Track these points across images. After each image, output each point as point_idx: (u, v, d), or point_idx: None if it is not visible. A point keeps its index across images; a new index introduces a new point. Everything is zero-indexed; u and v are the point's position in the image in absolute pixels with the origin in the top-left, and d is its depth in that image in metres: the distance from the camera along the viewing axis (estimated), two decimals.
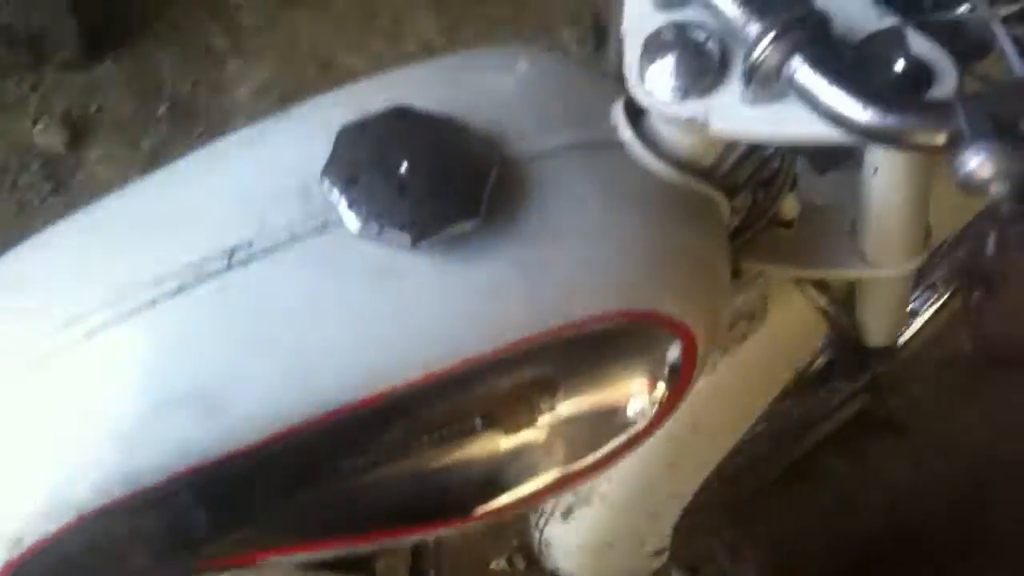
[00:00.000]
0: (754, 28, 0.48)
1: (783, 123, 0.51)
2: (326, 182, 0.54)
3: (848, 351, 0.90)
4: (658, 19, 0.54)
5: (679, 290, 0.59)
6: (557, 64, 0.67)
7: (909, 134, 0.46)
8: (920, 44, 0.50)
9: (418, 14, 1.84)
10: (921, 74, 0.49)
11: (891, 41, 0.50)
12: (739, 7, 0.49)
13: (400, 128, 0.56)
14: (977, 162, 0.43)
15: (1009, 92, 0.47)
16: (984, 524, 1.39)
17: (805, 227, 0.71)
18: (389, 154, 0.54)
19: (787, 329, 0.83)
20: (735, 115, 0.52)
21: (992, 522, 1.38)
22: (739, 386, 0.86)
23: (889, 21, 0.51)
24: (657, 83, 0.53)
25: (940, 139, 0.45)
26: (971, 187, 0.44)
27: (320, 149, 0.55)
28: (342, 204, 0.53)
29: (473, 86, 0.60)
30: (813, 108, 0.47)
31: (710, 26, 0.52)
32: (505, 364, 0.55)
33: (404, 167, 0.54)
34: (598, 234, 0.56)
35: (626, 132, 0.58)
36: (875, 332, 0.85)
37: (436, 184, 0.53)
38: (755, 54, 0.48)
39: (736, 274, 0.70)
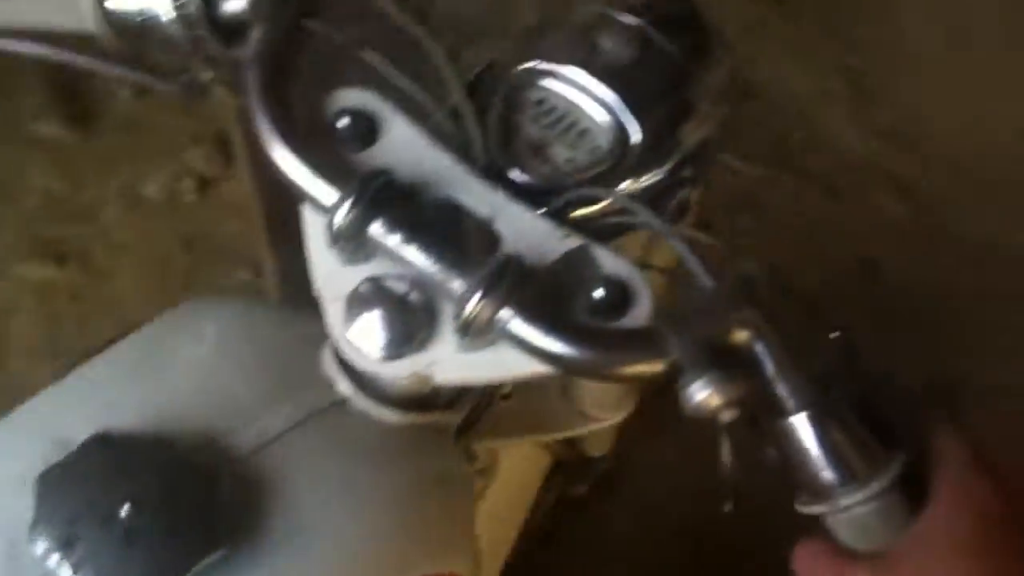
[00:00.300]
0: (457, 284, 0.49)
1: (503, 365, 0.51)
2: (38, 546, 0.47)
3: (573, 465, 0.94)
4: (351, 276, 0.52)
5: (442, 543, 0.58)
6: (244, 316, 0.64)
7: (624, 368, 0.48)
8: (610, 262, 0.52)
9: None
10: (618, 294, 0.51)
11: (581, 262, 0.52)
12: (433, 263, 0.49)
13: (106, 461, 0.50)
14: (703, 395, 0.45)
15: (708, 311, 0.49)
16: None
17: (522, 398, 0.73)
18: (103, 497, 0.49)
19: (519, 469, 0.86)
20: (455, 365, 0.52)
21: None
22: (490, 529, 0.87)
23: (572, 242, 0.53)
24: (366, 343, 0.52)
25: (657, 369, 0.48)
26: (702, 416, 0.46)
27: (16, 500, 0.48)
28: (64, 572, 0.47)
29: (168, 376, 0.56)
30: (529, 353, 0.49)
31: (407, 276, 0.52)
32: None
33: (125, 510, 0.48)
34: (349, 514, 0.54)
35: (346, 388, 0.57)
36: (595, 446, 0.90)
37: (165, 520, 0.49)
38: (466, 312, 0.48)
39: (471, 457, 0.71)
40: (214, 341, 0.58)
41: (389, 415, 0.57)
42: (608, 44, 0.61)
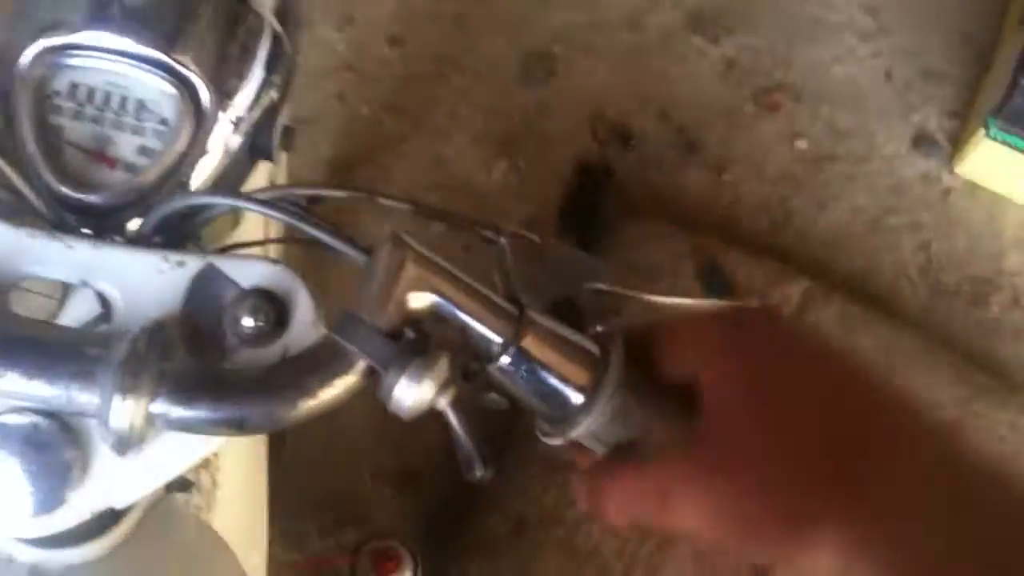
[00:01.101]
0: (85, 399, 0.40)
1: (190, 450, 0.44)
2: None
3: None
4: None
5: None
6: None
7: (314, 401, 0.42)
8: (246, 271, 0.44)
9: None
10: (271, 307, 0.44)
11: (215, 286, 0.44)
12: (46, 384, 0.40)
13: None
14: (412, 394, 0.40)
15: (374, 290, 0.42)
16: None
17: None
18: None
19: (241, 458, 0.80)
20: (131, 476, 0.43)
21: None
22: (236, 524, 0.76)
23: (191, 267, 0.44)
24: (12, 504, 0.42)
25: (352, 382, 0.42)
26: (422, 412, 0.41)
27: None
28: None
29: None
30: (206, 432, 0.42)
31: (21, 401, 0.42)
32: None
33: None
34: None
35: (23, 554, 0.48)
36: None
37: None
38: (113, 431, 0.39)
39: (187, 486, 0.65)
40: None
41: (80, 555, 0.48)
42: None
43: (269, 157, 0.60)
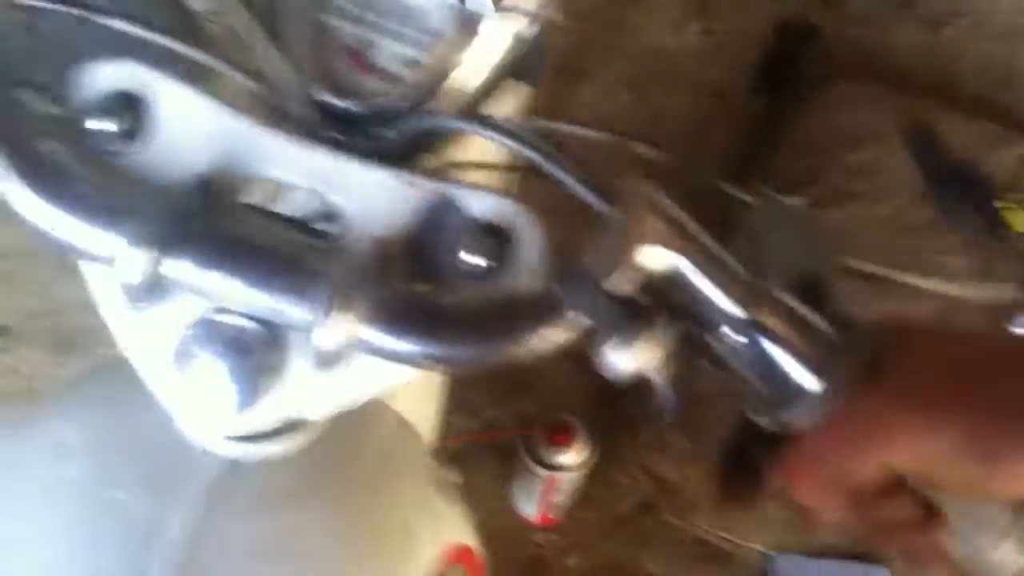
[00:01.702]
0: (298, 312, 0.40)
1: (381, 377, 0.43)
2: None
3: None
4: (167, 326, 0.42)
5: (430, 520, 0.54)
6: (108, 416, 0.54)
7: (519, 349, 0.40)
8: (478, 202, 0.42)
9: None
10: (494, 242, 0.41)
11: (442, 211, 0.42)
12: (265, 293, 0.40)
13: None
14: (626, 359, 0.38)
15: (606, 243, 0.39)
16: None
17: None
18: None
19: None
20: (321, 392, 0.43)
21: None
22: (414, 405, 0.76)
23: (423, 188, 0.42)
24: (214, 399, 0.42)
25: (562, 338, 0.40)
26: (625, 379, 0.39)
27: None
28: None
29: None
30: (403, 363, 0.41)
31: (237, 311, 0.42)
32: None
33: None
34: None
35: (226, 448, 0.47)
36: None
37: None
38: (318, 346, 0.40)
39: None
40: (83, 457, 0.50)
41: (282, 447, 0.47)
42: None
43: (534, 82, 0.56)
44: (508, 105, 0.57)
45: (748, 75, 1.61)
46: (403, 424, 0.60)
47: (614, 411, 1.37)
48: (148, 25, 0.44)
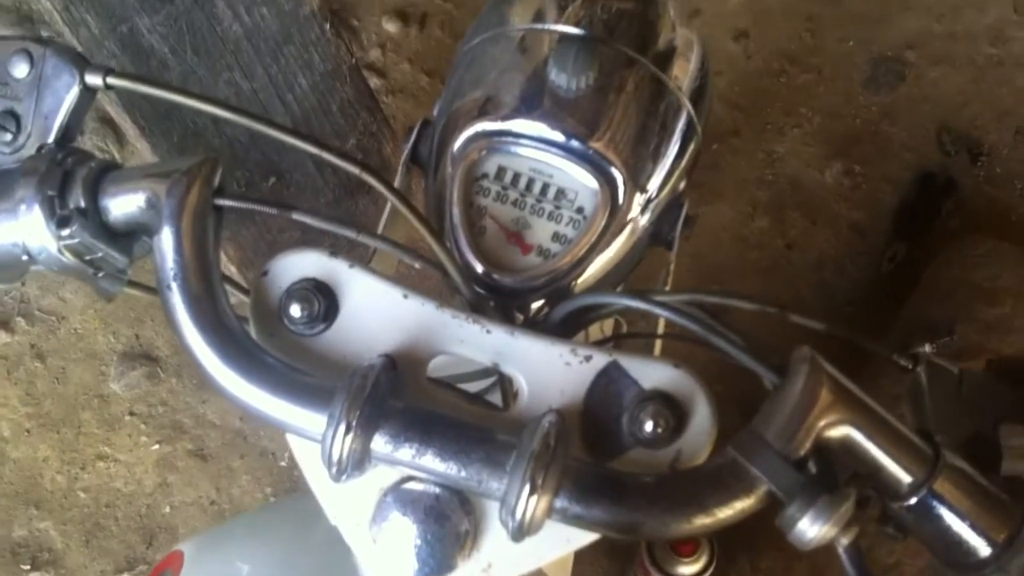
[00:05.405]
0: (495, 485, 0.41)
1: (567, 542, 0.45)
2: None
3: None
4: (366, 492, 0.44)
5: None
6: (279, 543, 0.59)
7: (704, 519, 0.40)
8: (648, 372, 0.43)
9: None
10: (669, 411, 0.43)
11: (616, 384, 0.44)
12: (458, 467, 0.41)
13: None
14: (816, 530, 0.38)
15: (783, 412, 0.40)
16: None
17: None
18: None
19: None
20: (513, 558, 0.44)
21: None
22: None
23: (598, 362, 0.44)
24: (408, 565, 0.44)
25: (747, 507, 0.40)
26: (811, 546, 0.39)
27: None
28: None
29: None
30: (593, 529, 0.42)
31: (435, 481, 0.43)
32: None
33: None
34: None
35: None
36: None
37: None
38: (517, 518, 0.40)
39: None
40: None
41: None
42: (561, 72, 0.50)
43: (670, 246, 0.59)
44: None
45: (888, 219, 1.66)
46: None
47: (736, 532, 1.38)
48: (334, 219, 0.47)
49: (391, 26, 1.82)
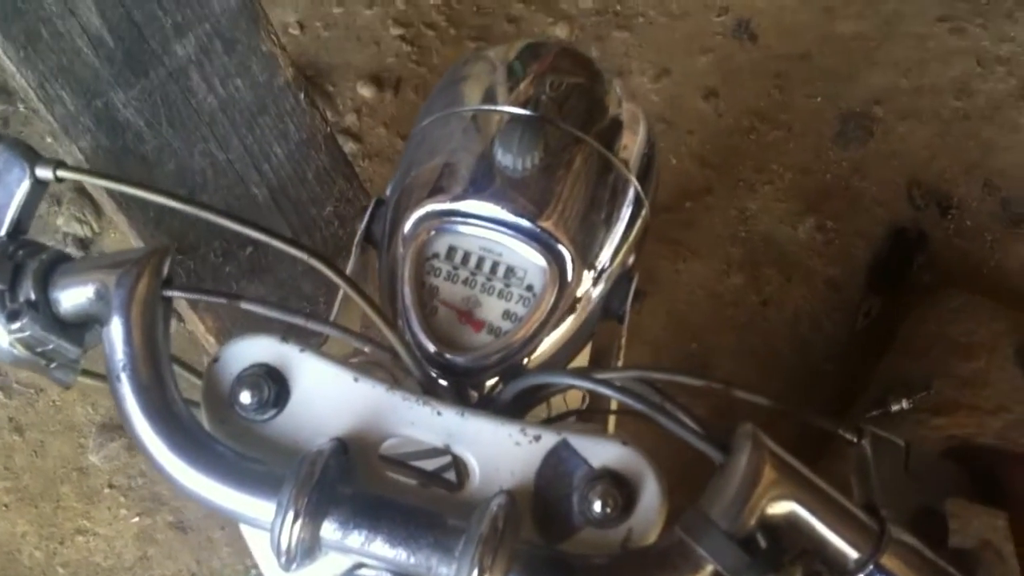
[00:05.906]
0: (445, 571, 0.40)
1: None
2: None
3: None
4: None
5: None
6: None
7: None
8: (597, 451, 0.43)
9: None
10: (618, 489, 0.43)
11: (566, 463, 0.44)
12: (408, 554, 0.41)
13: None
14: None
15: (728, 491, 0.40)
16: None
17: None
18: None
19: None
20: None
21: None
22: None
23: (547, 441, 0.44)
24: None
25: None
26: None
27: None
28: None
29: None
30: None
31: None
32: None
33: None
34: None
35: None
36: None
37: None
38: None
39: None
40: None
41: None
42: (508, 152, 0.51)
43: (621, 319, 0.60)
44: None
45: (862, 274, 1.67)
46: None
47: None
48: (283, 308, 0.48)
49: (366, 91, 1.84)
